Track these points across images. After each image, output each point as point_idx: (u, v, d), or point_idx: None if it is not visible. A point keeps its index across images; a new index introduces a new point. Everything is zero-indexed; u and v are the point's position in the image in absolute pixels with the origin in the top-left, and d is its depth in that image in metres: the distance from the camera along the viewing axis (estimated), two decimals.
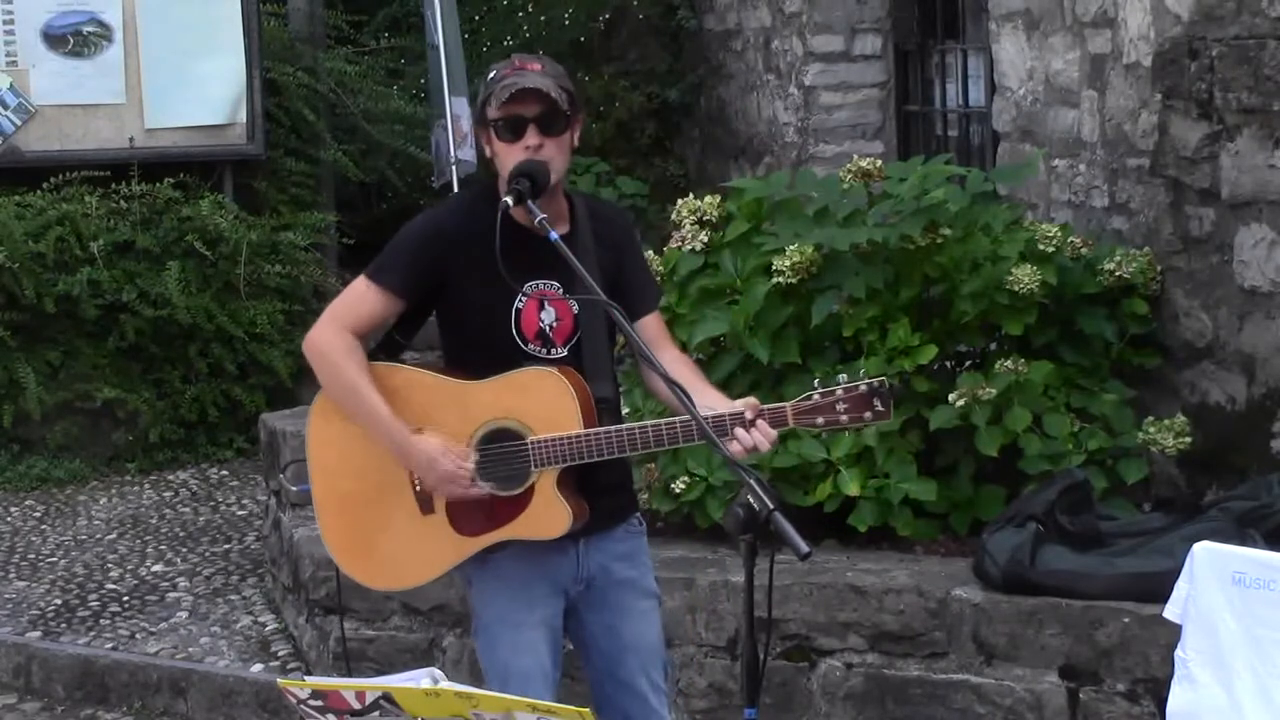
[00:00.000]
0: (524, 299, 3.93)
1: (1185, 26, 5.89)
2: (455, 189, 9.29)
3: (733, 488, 5.52)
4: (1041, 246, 5.94)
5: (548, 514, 3.90)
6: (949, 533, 5.81)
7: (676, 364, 4.01)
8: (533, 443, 3.87)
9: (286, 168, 9.29)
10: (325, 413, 4.05)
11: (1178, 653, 4.02)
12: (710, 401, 3.84)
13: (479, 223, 3.89)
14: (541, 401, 3.87)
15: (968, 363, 6.09)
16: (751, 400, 3.82)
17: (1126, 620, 5.08)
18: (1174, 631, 4.07)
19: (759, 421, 3.75)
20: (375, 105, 9.81)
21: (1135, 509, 5.72)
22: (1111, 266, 5.98)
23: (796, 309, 5.93)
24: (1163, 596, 4.10)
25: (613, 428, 3.86)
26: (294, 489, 6.51)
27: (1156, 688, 4.88)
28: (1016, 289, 5.78)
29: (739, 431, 3.74)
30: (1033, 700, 5.20)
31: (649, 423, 3.85)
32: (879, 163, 6.24)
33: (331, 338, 3.96)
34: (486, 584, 4.04)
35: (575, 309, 3.97)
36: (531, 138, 3.88)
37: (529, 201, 3.83)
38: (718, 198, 6.31)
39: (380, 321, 4.02)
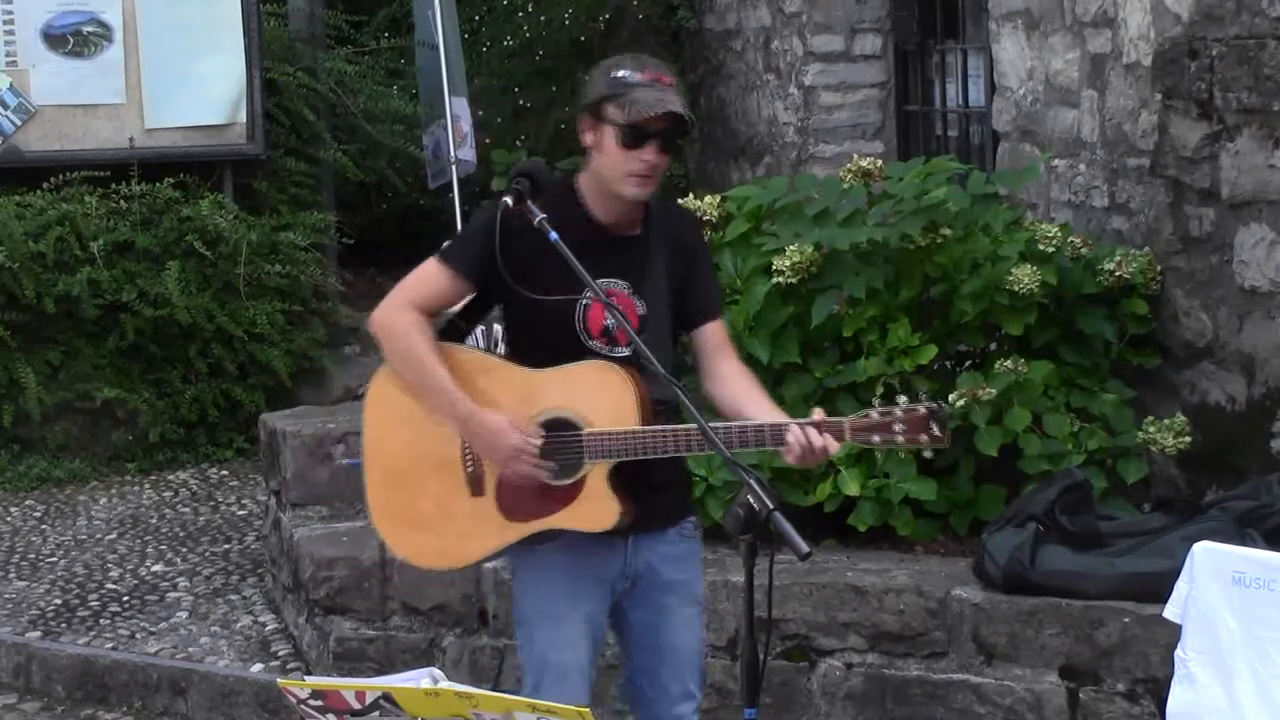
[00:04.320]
0: (590, 295, 3.93)
1: (1185, 26, 5.89)
2: (455, 189, 9.31)
3: (733, 488, 5.52)
4: (1041, 246, 5.94)
5: (597, 507, 3.89)
6: (949, 533, 5.82)
7: (737, 375, 4.04)
8: (588, 435, 3.87)
9: (286, 168, 9.29)
10: (383, 389, 4.07)
11: (1178, 653, 4.03)
12: (766, 414, 3.87)
13: (554, 214, 3.90)
14: (602, 395, 3.87)
15: (968, 363, 6.10)
16: (818, 413, 3.83)
17: (1126, 620, 5.08)
18: (1174, 631, 4.07)
19: (809, 429, 3.76)
20: (375, 105, 9.81)
21: (1135, 509, 5.72)
22: (1111, 266, 5.98)
23: (796, 309, 5.93)
24: (1163, 596, 4.11)
25: (668, 427, 3.85)
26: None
27: (1156, 688, 4.88)
28: (1016, 289, 5.78)
29: (795, 429, 3.73)
30: (1033, 700, 5.20)
31: (704, 425, 3.84)
32: (879, 163, 6.25)
33: (398, 313, 3.98)
34: (530, 575, 4.06)
35: (641, 310, 3.98)
36: (650, 153, 3.91)
37: (528, 201, 3.85)
38: (718, 197, 6.31)
39: (446, 303, 4.02)
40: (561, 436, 3.90)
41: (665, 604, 4.09)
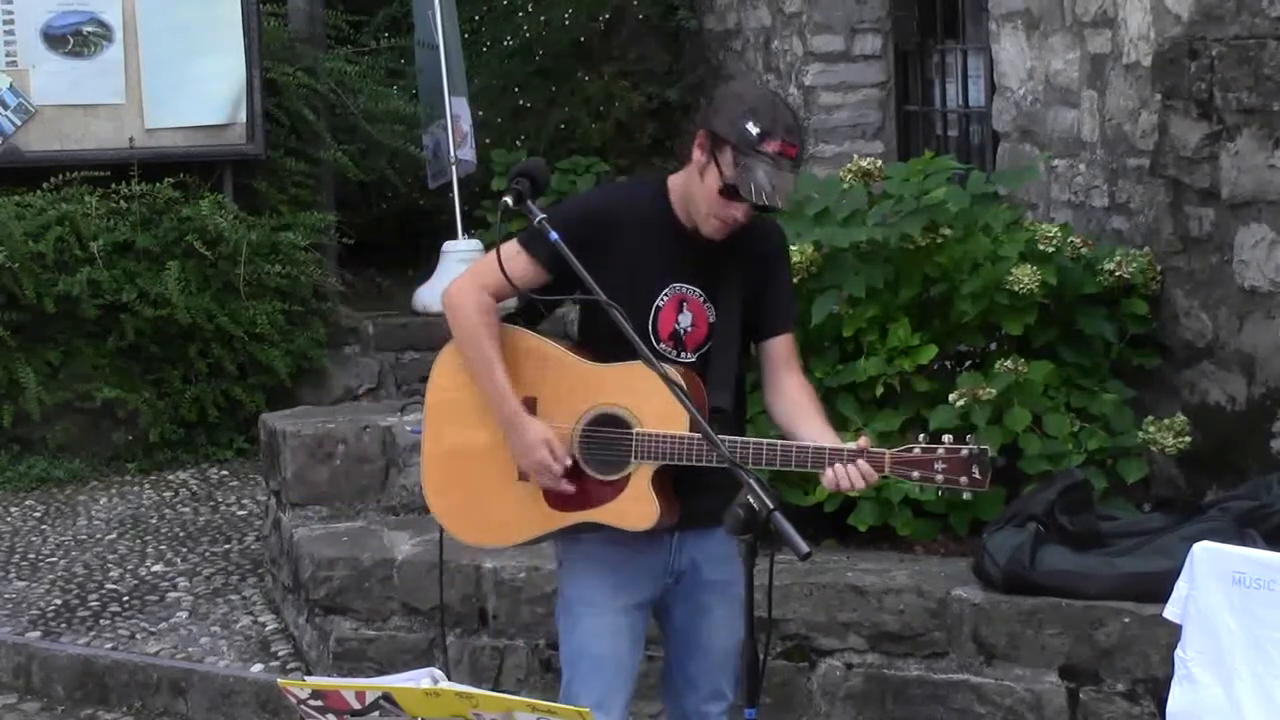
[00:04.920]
0: (665, 298, 3.97)
1: (1185, 26, 5.89)
2: (455, 189, 9.32)
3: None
4: (1041, 246, 5.94)
5: (636, 507, 3.92)
6: (949, 533, 5.82)
7: (798, 391, 4.06)
8: (637, 434, 3.90)
9: (286, 168, 9.28)
10: (450, 364, 4.11)
11: (1178, 653, 4.03)
12: (818, 433, 3.89)
13: (639, 213, 3.94)
14: (655, 397, 3.87)
15: (968, 363, 6.10)
16: (864, 440, 3.84)
17: (1126, 620, 5.08)
18: (1174, 631, 4.07)
19: (859, 460, 3.77)
20: (375, 105, 9.80)
21: (1135, 509, 5.72)
22: (1111, 266, 5.98)
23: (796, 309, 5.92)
24: (1163, 596, 4.11)
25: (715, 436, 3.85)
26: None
27: (1156, 688, 4.88)
28: (1016, 289, 5.78)
29: (837, 466, 3.77)
30: (1033, 700, 5.20)
31: (750, 439, 3.86)
32: (879, 163, 6.25)
33: (469, 294, 4.02)
34: (574, 564, 4.10)
35: (712, 317, 4.00)
36: (741, 211, 3.88)
37: (528, 201, 3.86)
38: None
39: (520, 288, 4.01)
40: (612, 433, 3.93)
41: (705, 603, 4.11)
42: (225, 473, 8.62)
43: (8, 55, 8.81)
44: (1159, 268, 6.05)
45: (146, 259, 8.59)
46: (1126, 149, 6.45)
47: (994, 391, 5.67)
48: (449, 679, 3.11)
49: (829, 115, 9.36)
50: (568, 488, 3.93)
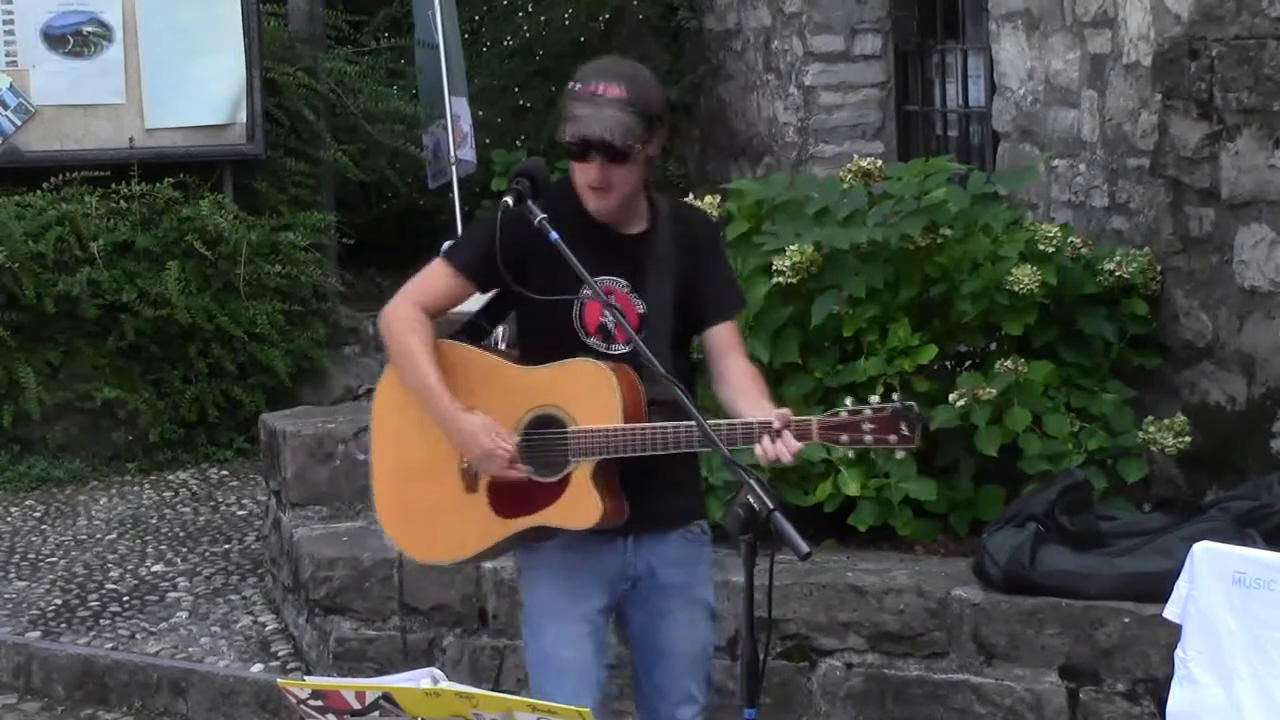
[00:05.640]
0: (588, 291, 3.95)
1: (1185, 26, 5.89)
2: (455, 189, 9.31)
3: (733, 488, 5.51)
4: (1041, 246, 5.94)
5: (579, 505, 3.91)
6: (949, 533, 5.82)
7: (741, 373, 4.04)
8: (572, 433, 3.89)
9: (286, 168, 9.28)
10: (392, 383, 4.11)
11: (1178, 653, 4.03)
12: (758, 411, 3.86)
13: (565, 210, 3.92)
14: (587, 393, 3.88)
15: (968, 363, 6.10)
16: (783, 411, 3.82)
17: (1126, 620, 5.08)
18: (1174, 631, 4.08)
19: (784, 433, 3.75)
20: (375, 105, 9.80)
21: (1135, 509, 5.72)
22: (1111, 266, 5.98)
23: (796, 309, 5.93)
24: (1163, 596, 4.11)
25: (645, 425, 3.85)
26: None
27: (1156, 688, 4.88)
28: (1016, 289, 5.78)
29: (764, 440, 3.75)
30: (1033, 700, 5.20)
31: (681, 423, 3.82)
32: (879, 163, 6.25)
33: (400, 310, 4.04)
34: (533, 572, 4.09)
35: (640, 309, 3.99)
36: (593, 169, 3.88)
37: (528, 201, 3.86)
38: (718, 198, 6.31)
39: (450, 301, 4.06)
40: (549, 434, 3.92)
41: (664, 607, 4.09)
42: (225, 473, 8.62)
43: (8, 55, 8.81)
44: (1159, 268, 6.05)
45: (146, 259, 8.60)
46: (1126, 149, 6.45)
47: (994, 391, 5.68)
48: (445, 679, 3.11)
49: (829, 115, 9.36)
50: (521, 471, 3.91)
